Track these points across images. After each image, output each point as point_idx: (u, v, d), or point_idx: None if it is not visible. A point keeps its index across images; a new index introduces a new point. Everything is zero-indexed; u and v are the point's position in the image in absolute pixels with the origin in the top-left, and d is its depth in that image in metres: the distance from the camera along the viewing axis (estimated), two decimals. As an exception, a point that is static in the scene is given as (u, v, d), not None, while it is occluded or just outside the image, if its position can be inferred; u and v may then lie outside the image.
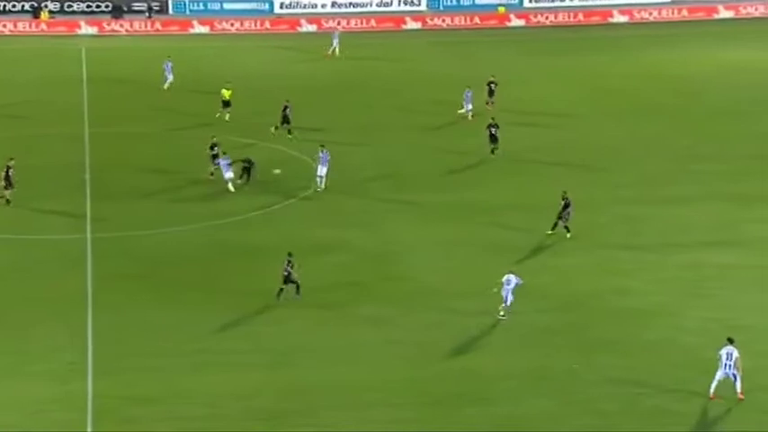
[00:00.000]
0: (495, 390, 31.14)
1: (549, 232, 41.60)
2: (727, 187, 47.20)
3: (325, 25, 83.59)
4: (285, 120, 54.36)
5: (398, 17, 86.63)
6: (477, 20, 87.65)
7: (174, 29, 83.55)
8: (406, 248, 41.27)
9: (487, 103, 58.47)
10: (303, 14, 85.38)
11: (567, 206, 41.50)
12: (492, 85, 58.91)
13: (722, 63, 71.36)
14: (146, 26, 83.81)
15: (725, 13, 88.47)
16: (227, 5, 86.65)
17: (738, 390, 30.09)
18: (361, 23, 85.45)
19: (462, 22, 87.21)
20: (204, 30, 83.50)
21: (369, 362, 32.65)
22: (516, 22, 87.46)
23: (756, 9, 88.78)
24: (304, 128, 54.28)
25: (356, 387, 31.19)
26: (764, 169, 49.54)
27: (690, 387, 30.78)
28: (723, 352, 30.27)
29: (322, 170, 46.92)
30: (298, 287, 36.51)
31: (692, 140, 54.34)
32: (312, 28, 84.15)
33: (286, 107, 54.59)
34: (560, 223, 41.58)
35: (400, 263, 40.03)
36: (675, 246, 41.09)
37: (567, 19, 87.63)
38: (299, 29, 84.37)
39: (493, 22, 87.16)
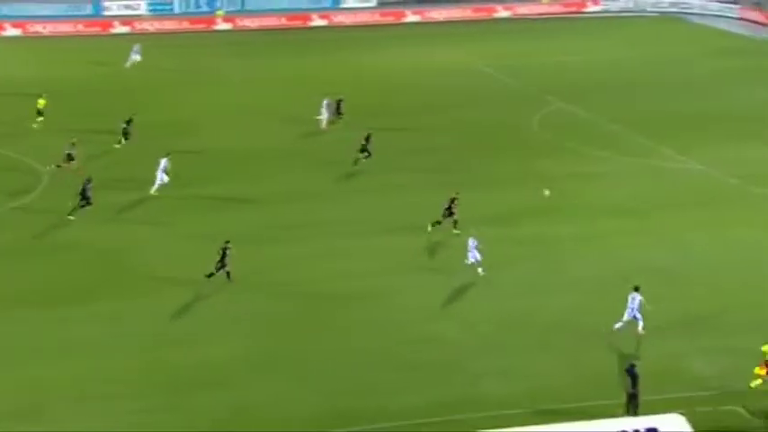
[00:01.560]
0: (229, 375, 32.14)
1: (430, 228, 42.49)
2: (437, 177, 50.02)
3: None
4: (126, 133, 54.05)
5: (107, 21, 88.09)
6: (186, 24, 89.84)
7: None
8: (140, 243, 42.23)
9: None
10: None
11: (451, 204, 42.56)
12: (341, 102, 58.66)
13: (422, 63, 75.63)
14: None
15: (412, 17, 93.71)
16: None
17: (640, 328, 34.00)
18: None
19: (175, 27, 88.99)
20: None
21: (99, 355, 33.08)
22: (224, 25, 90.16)
23: (440, 14, 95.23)
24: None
25: (86, 379, 31.62)
26: (466, 159, 52.78)
27: (390, 360, 33.07)
28: (629, 297, 34.23)
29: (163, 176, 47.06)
30: (228, 273, 37.79)
31: (403, 134, 57.24)
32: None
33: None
34: (444, 220, 42.58)
35: (132, 257, 40.86)
36: (395, 230, 43.25)
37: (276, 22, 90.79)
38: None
39: (201, 26, 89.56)
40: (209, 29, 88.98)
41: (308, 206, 46.67)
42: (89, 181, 44.89)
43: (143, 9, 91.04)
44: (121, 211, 45.67)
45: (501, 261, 40.45)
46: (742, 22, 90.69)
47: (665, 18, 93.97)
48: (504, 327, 35.68)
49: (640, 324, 34.51)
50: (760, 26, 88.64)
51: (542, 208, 42.97)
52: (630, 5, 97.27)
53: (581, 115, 60.62)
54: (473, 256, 39.14)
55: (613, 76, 71.32)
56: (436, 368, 32.80)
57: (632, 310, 34.57)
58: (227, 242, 38.42)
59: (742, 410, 29.87)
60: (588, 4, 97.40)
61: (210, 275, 38.07)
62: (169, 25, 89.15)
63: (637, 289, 34.75)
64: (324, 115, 57.86)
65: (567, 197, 47.33)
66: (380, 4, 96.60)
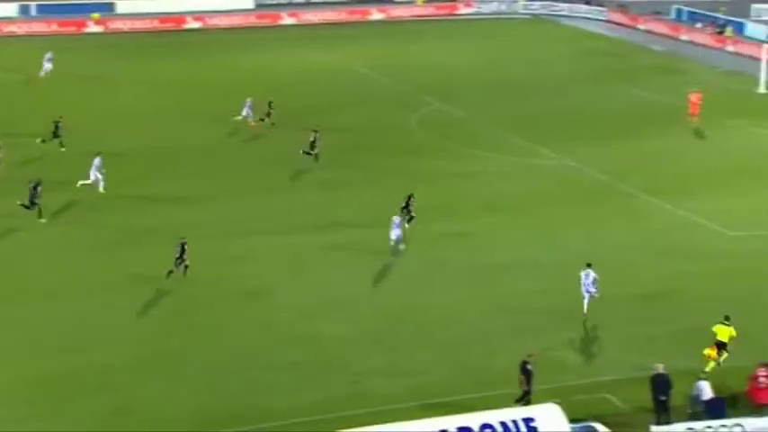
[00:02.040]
0: (110, 379, 31.99)
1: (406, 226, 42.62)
2: (320, 174, 50.91)
3: None
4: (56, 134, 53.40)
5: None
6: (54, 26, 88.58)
7: None
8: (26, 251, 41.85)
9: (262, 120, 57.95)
10: None
11: (408, 202, 43.25)
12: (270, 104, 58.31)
13: (300, 65, 76.15)
14: None
15: (288, 20, 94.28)
16: None
17: (585, 307, 35.52)
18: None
19: (47, 29, 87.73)
20: None
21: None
22: (96, 28, 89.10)
23: (315, 15, 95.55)
24: None
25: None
26: (350, 159, 53.82)
27: (272, 359, 33.37)
28: (582, 273, 35.97)
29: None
30: (186, 267, 38.24)
31: (286, 135, 57.04)
32: None
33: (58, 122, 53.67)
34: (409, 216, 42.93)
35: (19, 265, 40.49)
36: (279, 232, 43.74)
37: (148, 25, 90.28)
38: None
39: (72, 29, 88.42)
40: (80, 32, 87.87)
41: (212, 206, 46.98)
42: (38, 183, 44.39)
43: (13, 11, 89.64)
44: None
45: (384, 258, 41.20)
46: (609, 24, 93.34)
47: (537, 20, 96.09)
48: (387, 323, 36.20)
49: (585, 301, 35.99)
50: (626, 28, 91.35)
51: (423, 206, 43.81)
52: (503, 8, 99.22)
53: (457, 115, 61.80)
54: (396, 234, 40.88)
55: (488, 76, 72.76)
56: (320, 366, 33.17)
57: (586, 285, 35.97)
58: (183, 238, 38.67)
59: (612, 398, 30.94)
60: (460, 6, 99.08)
61: (170, 273, 38.27)
62: (37, 27, 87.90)
63: (589, 265, 36.20)
64: (248, 115, 58.14)
65: (447, 195, 48.33)
66: (258, 6, 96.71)
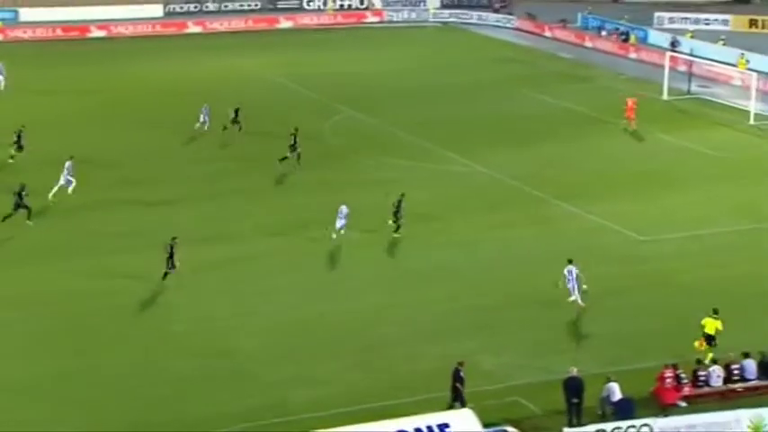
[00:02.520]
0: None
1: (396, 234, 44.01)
2: (228, 184, 50.83)
3: None
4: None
5: None
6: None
7: None
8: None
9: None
10: None
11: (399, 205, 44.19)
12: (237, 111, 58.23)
13: (210, 73, 75.66)
14: None
15: (194, 28, 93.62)
16: None
17: (573, 299, 37.06)
18: None
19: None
20: None
21: None
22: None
23: (222, 24, 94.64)
24: None
25: None
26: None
27: (179, 372, 33.15)
28: (565, 271, 37.44)
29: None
30: (174, 267, 38.64)
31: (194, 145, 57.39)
32: None
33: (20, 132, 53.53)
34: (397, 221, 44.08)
35: None
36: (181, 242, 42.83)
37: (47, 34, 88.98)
38: None
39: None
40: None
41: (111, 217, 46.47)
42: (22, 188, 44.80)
43: None
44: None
45: (291, 267, 41.18)
46: (517, 32, 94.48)
47: (447, 28, 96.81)
48: (300, 333, 36.16)
49: (579, 295, 37.31)
50: (534, 35, 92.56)
51: (332, 215, 43.72)
52: (413, 16, 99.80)
53: (370, 123, 62.03)
54: (341, 224, 42.32)
55: (399, 84, 73.05)
56: (229, 378, 33.01)
57: (571, 281, 37.32)
58: (174, 238, 38.93)
59: (525, 402, 31.36)
60: (368, 14, 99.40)
61: (165, 276, 38.56)
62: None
63: (570, 262, 37.51)
64: (205, 122, 58.01)
65: (360, 203, 48.38)
66: (167, 15, 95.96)
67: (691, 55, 74.98)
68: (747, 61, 74.29)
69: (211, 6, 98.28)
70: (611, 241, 44.33)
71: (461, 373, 30.60)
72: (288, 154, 52.89)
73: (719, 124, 63.03)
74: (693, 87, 70.01)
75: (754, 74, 66.84)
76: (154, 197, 49.32)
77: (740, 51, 76.24)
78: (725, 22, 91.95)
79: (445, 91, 70.84)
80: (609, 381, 30.66)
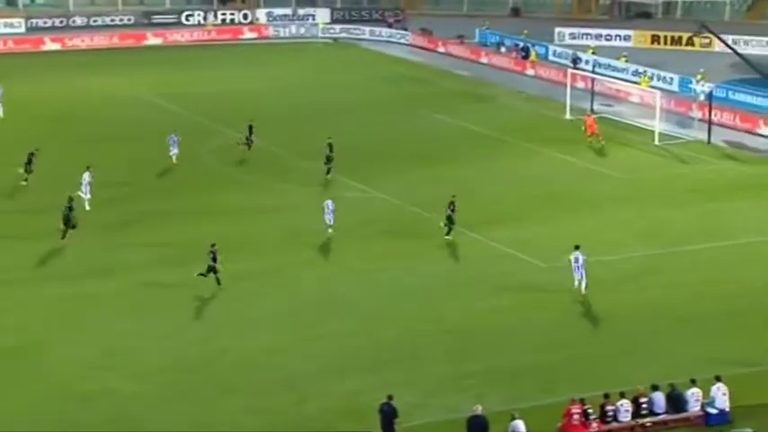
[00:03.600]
0: None
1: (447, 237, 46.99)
2: (99, 215, 49.60)
3: None
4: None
5: None
6: None
7: None
8: None
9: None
10: None
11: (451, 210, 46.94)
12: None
13: (77, 93, 74.86)
14: None
15: (52, 45, 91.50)
16: None
17: (583, 287, 40.69)
18: None
19: None
20: None
21: None
22: None
23: (83, 41, 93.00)
24: None
25: None
26: (135, 196, 53.04)
27: (66, 417, 32.60)
28: (571, 257, 40.85)
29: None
30: (217, 277, 41.20)
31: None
32: None
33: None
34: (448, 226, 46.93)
35: None
36: (47, 278, 42.96)
37: None
38: None
39: None
40: None
41: None
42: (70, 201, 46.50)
43: None
44: None
45: (180, 303, 40.51)
46: (412, 48, 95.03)
47: (337, 44, 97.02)
48: (185, 374, 35.71)
49: (583, 283, 40.60)
50: (430, 52, 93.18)
51: (221, 244, 43.09)
52: (301, 31, 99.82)
53: (254, 145, 61.49)
54: (329, 220, 46.69)
55: (287, 103, 72.92)
56: (109, 424, 32.46)
57: (578, 268, 40.43)
58: (213, 245, 40.97)
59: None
60: (249, 30, 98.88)
61: (209, 275, 40.97)
62: None
63: (577, 247, 40.57)
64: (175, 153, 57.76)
65: (246, 232, 48.06)
66: (29, 30, 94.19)
67: (593, 72, 76.24)
68: (650, 78, 75.99)
69: (79, 21, 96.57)
70: (514, 269, 44.59)
71: (388, 408, 30.52)
72: (324, 166, 55.47)
73: (624, 144, 64.12)
74: (596, 106, 71.15)
75: (658, 92, 68.21)
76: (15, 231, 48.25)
77: (643, 68, 77.91)
78: (627, 38, 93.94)
79: (336, 111, 70.92)
80: (514, 418, 30.75)
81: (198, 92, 75.40)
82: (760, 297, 41.67)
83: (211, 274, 41.25)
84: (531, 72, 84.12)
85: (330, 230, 47.15)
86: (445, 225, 47.16)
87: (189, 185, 54.89)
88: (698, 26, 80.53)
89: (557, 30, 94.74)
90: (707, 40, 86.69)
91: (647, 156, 62.27)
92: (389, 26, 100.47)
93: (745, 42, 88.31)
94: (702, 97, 69.70)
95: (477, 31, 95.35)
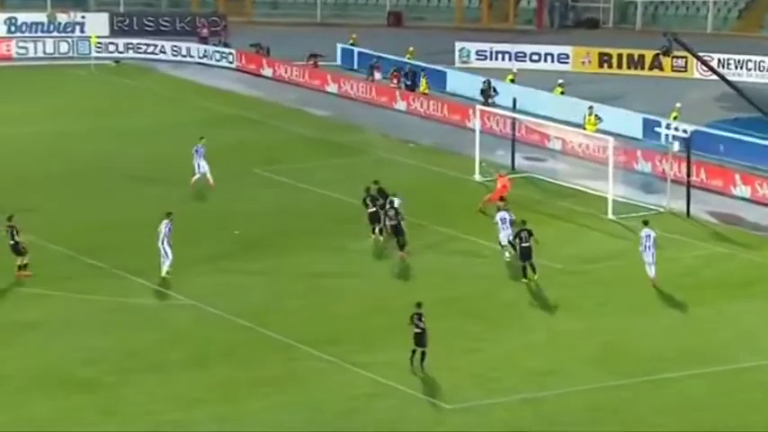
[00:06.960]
0: None
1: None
2: None
3: None
4: None
5: None
6: None
7: None
8: None
9: None
10: None
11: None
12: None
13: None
14: None
15: None
16: None
17: (652, 273, 54.18)
18: None
19: None
20: None
21: None
22: None
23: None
24: None
25: None
26: None
27: None
28: (642, 234, 54.55)
29: None
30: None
31: None
32: None
33: None
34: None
35: None
36: None
37: None
38: None
39: None
40: None
41: None
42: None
43: None
44: None
45: None
46: (240, 73, 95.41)
47: (122, 68, 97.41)
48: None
49: (653, 269, 53.95)
50: (266, 79, 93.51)
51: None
52: (63, 50, 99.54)
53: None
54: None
55: (34, 163, 72.87)
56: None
57: (648, 248, 53.73)
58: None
59: None
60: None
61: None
62: None
63: (646, 223, 54.87)
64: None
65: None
66: None
67: (513, 110, 76.27)
68: (599, 119, 76.29)
69: None
70: (403, 414, 44.01)
71: None
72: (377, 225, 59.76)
73: (560, 219, 64.36)
74: (519, 161, 71.49)
75: (611, 138, 68.39)
76: None
77: (588, 103, 78.34)
78: (564, 57, 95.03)
79: (113, 175, 70.22)
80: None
81: None
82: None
83: None
84: (420, 109, 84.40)
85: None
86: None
87: None
88: (667, 40, 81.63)
89: (458, 45, 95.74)
90: (681, 61, 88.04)
91: (598, 236, 62.63)
92: (203, 41, 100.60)
93: (739, 63, 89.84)
94: (677, 146, 70.09)
95: (338, 47, 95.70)
